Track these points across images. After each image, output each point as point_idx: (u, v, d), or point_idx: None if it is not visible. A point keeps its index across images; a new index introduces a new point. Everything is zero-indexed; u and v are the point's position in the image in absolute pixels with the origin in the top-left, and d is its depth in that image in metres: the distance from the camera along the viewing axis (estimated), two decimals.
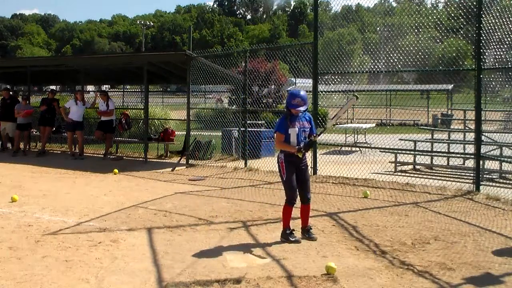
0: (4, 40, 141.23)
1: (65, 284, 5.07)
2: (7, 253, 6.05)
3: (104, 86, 21.45)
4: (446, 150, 12.40)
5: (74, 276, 5.30)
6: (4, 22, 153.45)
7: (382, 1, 16.98)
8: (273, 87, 25.47)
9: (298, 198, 6.66)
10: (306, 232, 6.65)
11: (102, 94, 15.57)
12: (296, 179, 6.62)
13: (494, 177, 11.08)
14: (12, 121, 16.24)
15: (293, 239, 6.51)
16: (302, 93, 6.51)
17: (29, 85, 19.17)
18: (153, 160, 14.99)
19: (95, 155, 15.89)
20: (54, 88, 20.78)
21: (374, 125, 21.02)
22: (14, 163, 13.98)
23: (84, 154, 15.51)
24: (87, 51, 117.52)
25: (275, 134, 6.56)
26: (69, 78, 19.76)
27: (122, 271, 5.45)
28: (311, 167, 11.38)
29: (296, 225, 7.15)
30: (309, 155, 11.39)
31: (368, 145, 14.53)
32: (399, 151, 12.46)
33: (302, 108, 6.40)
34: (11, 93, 17.30)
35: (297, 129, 6.42)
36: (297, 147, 6.36)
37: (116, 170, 12.41)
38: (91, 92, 23.05)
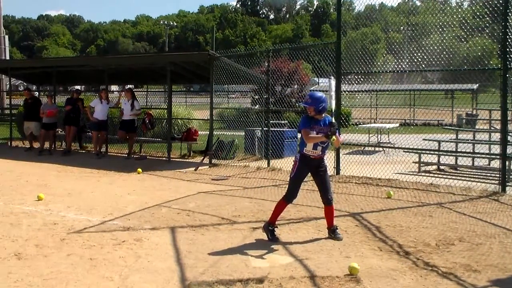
0: (30, 41, 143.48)
1: (90, 282, 5.13)
2: (34, 251, 6.14)
3: (128, 86, 21.65)
4: (471, 151, 12.24)
5: (99, 274, 5.36)
6: (31, 23, 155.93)
7: (406, 0, 16.84)
8: (296, 86, 25.43)
9: (320, 200, 6.67)
10: (332, 232, 6.64)
11: (127, 91, 15.63)
12: (315, 182, 6.69)
13: None
14: (35, 120, 16.49)
15: (271, 237, 6.54)
16: (315, 93, 6.58)
17: (55, 85, 19.41)
18: (176, 159, 15.07)
19: (119, 154, 16.02)
20: (79, 88, 21.01)
21: (397, 125, 20.82)
22: (40, 162, 14.20)
23: (108, 153, 15.67)
24: (111, 51, 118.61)
25: (301, 132, 6.44)
26: (94, 78, 19.96)
27: (145, 269, 5.49)
28: (334, 167, 11.37)
29: (319, 225, 7.15)
30: (332, 155, 11.40)
31: (392, 145, 14.43)
32: (423, 151, 12.33)
33: (309, 105, 6.38)
34: (32, 93, 17.65)
35: (315, 132, 6.38)
36: (324, 134, 6.27)
37: (139, 170, 12.51)
38: (115, 92, 23.26)
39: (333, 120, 6.47)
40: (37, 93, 18.34)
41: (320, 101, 6.40)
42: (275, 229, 6.66)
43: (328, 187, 6.63)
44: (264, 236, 6.64)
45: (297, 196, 6.63)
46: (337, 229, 6.69)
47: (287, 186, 6.75)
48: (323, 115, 6.51)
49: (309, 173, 6.67)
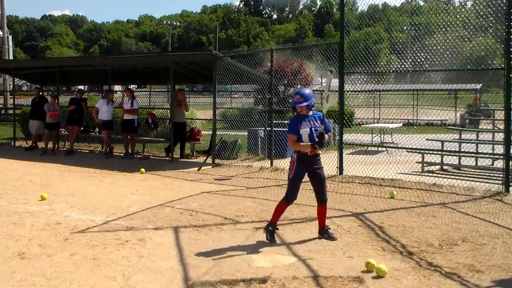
0: (34, 41, 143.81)
1: (93, 282, 5.14)
2: (37, 250, 6.16)
3: (131, 86, 21.68)
4: (474, 151, 12.22)
5: (102, 273, 5.37)
6: (34, 23, 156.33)
7: (409, 0, 16.82)
8: (299, 86, 25.41)
9: (315, 198, 6.65)
10: (325, 233, 6.62)
11: (128, 91, 15.69)
12: (311, 182, 6.61)
13: None
14: (39, 119, 16.56)
15: (270, 239, 6.48)
16: (303, 90, 6.49)
17: (58, 85, 19.45)
18: (179, 159, 15.06)
19: (122, 154, 16.03)
20: (82, 88, 21.07)
21: (400, 125, 20.80)
22: (43, 162, 14.23)
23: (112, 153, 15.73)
24: (115, 51, 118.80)
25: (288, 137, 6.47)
26: (97, 78, 20.00)
27: (148, 269, 5.50)
28: (337, 167, 11.37)
29: (309, 226, 7.12)
30: (334, 155, 11.40)
31: (395, 145, 14.40)
32: (426, 151, 12.31)
33: (302, 104, 6.32)
34: (40, 93, 17.74)
35: (308, 129, 6.35)
36: (310, 143, 6.29)
37: (142, 170, 12.52)
38: (118, 92, 23.30)
39: (325, 122, 6.46)
40: (40, 93, 18.37)
41: (311, 97, 6.41)
42: (276, 230, 6.64)
43: (324, 187, 6.61)
44: None
45: (296, 197, 6.57)
46: (329, 228, 6.68)
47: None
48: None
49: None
